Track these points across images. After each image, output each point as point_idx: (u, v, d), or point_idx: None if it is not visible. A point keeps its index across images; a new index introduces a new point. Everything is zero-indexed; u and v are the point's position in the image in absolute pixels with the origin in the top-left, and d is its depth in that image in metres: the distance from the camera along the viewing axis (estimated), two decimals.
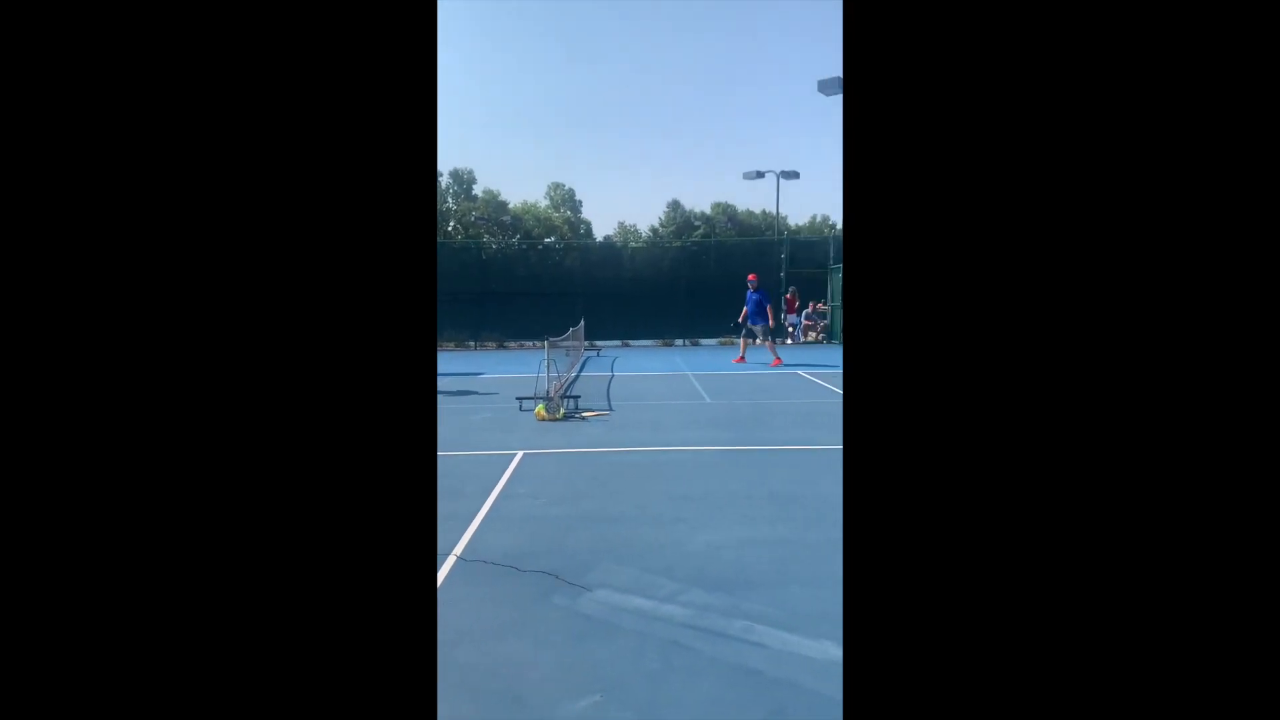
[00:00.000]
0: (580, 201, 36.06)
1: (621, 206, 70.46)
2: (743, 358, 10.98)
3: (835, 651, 2.25)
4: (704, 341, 14.98)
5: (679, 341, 15.07)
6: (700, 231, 31.81)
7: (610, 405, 7.10)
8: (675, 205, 35.64)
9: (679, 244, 17.17)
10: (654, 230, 35.11)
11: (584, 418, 6.39)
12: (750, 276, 11.15)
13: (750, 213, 35.40)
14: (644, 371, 10.20)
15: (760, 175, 20.93)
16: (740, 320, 11.23)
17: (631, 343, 14.92)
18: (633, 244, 21.55)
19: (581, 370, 10.30)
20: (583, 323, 12.30)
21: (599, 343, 14.13)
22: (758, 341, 11.03)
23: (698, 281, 15.03)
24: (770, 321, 11.00)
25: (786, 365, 10.39)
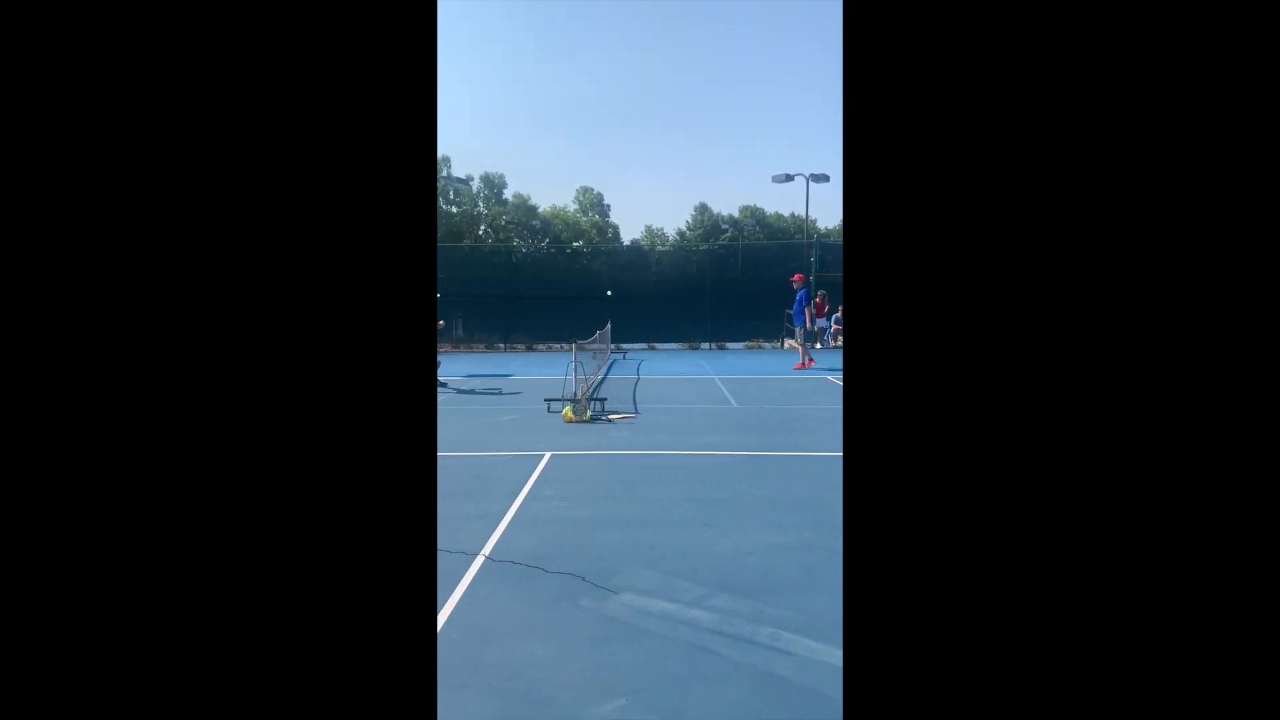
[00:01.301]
0: (608, 205, 36.27)
1: (649, 210, 70.54)
2: (807, 362, 10.59)
3: None
4: (730, 345, 14.91)
5: (705, 345, 15.02)
6: (728, 235, 31.69)
7: (636, 408, 7.11)
8: (703, 208, 35.61)
9: (706, 247, 17.11)
10: (681, 234, 35.09)
11: (610, 420, 6.42)
12: (796, 276, 10.85)
13: (779, 215, 35.19)
14: (670, 375, 10.19)
15: (789, 178, 20.73)
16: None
17: (657, 346, 14.92)
18: (659, 247, 21.55)
19: (608, 373, 10.33)
20: (609, 325, 12.34)
21: (625, 345, 14.16)
22: (796, 342, 10.75)
23: (724, 285, 14.97)
24: (808, 323, 10.78)
25: (815, 370, 10.27)
